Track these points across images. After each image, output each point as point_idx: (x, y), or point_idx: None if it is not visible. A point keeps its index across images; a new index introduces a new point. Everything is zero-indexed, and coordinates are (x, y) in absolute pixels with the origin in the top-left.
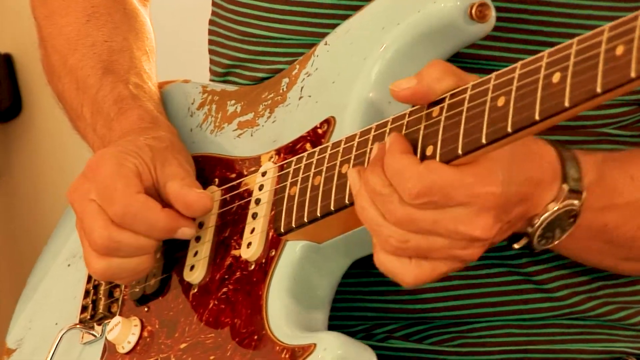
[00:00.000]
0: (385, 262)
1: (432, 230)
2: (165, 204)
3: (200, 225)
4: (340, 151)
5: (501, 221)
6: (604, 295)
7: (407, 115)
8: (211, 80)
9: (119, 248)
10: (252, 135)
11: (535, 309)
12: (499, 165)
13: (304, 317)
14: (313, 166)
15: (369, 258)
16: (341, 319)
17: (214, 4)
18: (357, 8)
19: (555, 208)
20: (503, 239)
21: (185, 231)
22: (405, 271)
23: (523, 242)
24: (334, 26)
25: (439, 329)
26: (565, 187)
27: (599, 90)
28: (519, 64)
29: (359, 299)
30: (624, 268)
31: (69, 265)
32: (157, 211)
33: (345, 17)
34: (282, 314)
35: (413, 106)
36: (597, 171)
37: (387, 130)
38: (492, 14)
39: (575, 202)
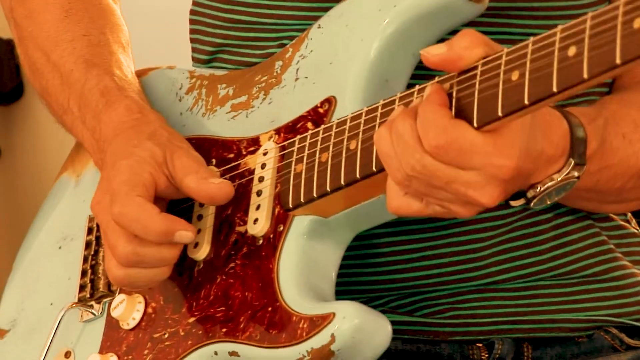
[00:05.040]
0: (388, 184)
1: (442, 187)
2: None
3: (201, 204)
4: (347, 128)
5: (506, 192)
6: (594, 254)
7: (415, 94)
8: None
9: (141, 260)
10: (247, 117)
11: (524, 265)
12: (518, 138)
13: (314, 288)
14: (319, 143)
15: (364, 235)
16: (338, 294)
17: None
18: None
19: (559, 179)
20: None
21: (183, 234)
22: (393, 198)
23: (521, 202)
24: (325, 9)
25: (431, 301)
26: (572, 161)
27: (618, 61)
28: (530, 40)
29: (355, 273)
30: (606, 209)
31: (60, 247)
32: (153, 214)
33: (336, 1)
34: (294, 285)
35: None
36: (600, 139)
37: (396, 108)
38: None
39: (577, 173)
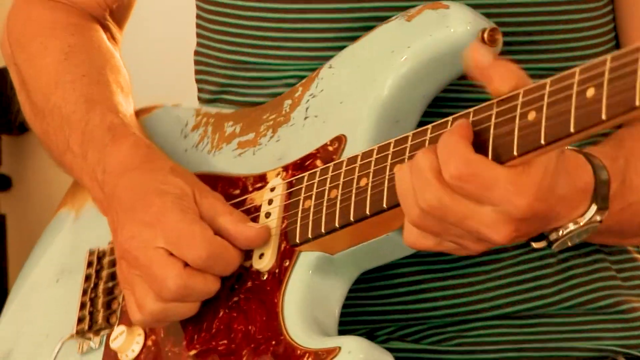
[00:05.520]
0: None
1: (455, 224)
2: None
3: None
4: (358, 166)
5: (518, 232)
6: (600, 289)
7: (428, 132)
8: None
9: (189, 294)
10: (254, 154)
11: (529, 299)
12: (539, 177)
13: (318, 323)
14: (328, 181)
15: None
16: (344, 323)
17: (199, 35)
18: (349, 31)
19: (582, 223)
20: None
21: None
22: (409, 233)
23: (543, 244)
24: (331, 49)
25: (437, 329)
26: (594, 207)
27: (637, 103)
28: (548, 81)
29: (361, 303)
30: (626, 243)
31: (57, 280)
32: (232, 250)
33: (338, 41)
34: (299, 320)
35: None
36: (621, 179)
37: (408, 147)
38: (501, 38)
39: (599, 217)
